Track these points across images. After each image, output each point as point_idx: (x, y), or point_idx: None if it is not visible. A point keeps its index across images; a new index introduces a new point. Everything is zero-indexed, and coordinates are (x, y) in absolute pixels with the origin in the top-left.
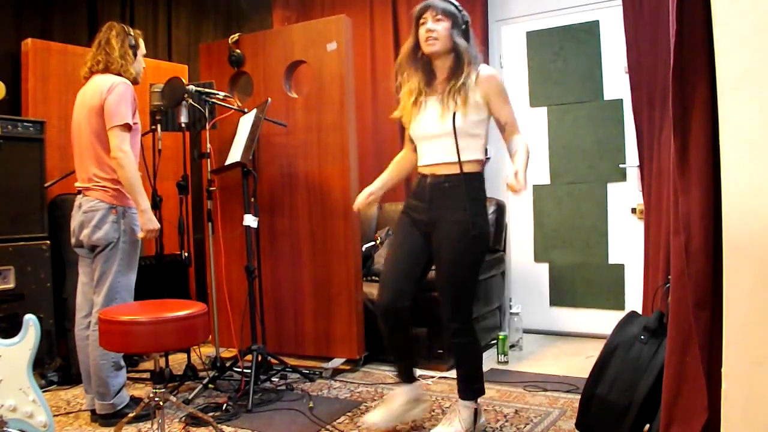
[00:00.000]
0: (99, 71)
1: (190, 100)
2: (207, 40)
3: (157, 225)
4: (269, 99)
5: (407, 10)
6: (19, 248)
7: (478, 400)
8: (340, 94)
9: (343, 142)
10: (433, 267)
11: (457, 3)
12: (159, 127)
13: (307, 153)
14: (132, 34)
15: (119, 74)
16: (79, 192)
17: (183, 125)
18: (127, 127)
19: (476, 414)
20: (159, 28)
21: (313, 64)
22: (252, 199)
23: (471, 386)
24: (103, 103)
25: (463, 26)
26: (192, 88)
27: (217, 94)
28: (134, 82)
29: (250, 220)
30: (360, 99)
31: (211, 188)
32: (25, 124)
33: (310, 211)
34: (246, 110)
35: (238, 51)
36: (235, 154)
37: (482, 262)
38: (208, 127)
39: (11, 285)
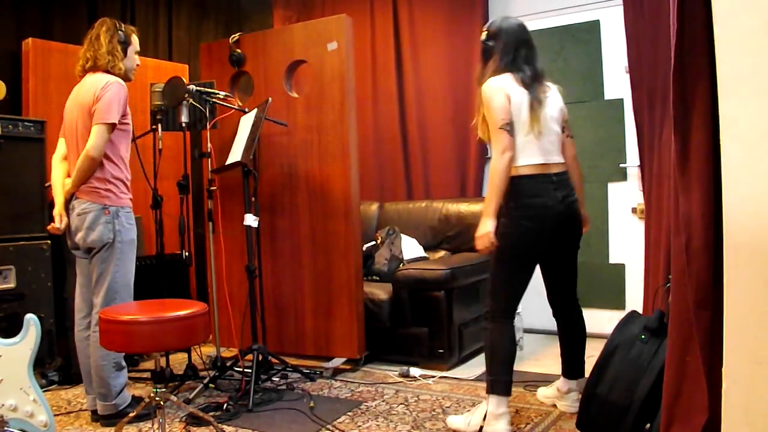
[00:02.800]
0: (90, 68)
1: (191, 100)
2: (208, 40)
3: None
4: (270, 99)
5: (408, 10)
6: (19, 248)
7: (490, 397)
8: (341, 93)
9: (343, 142)
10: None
11: None
12: (160, 126)
13: (308, 153)
14: (123, 30)
15: (107, 71)
16: (72, 194)
17: (184, 125)
18: (112, 127)
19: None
20: (159, 28)
21: (313, 64)
22: (252, 199)
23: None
24: (96, 102)
25: None
26: (192, 87)
27: (218, 93)
28: (124, 78)
29: (251, 220)
30: (360, 98)
31: (212, 188)
32: (26, 123)
33: (310, 210)
34: (246, 110)
35: (238, 51)
36: (235, 154)
37: None
38: (208, 126)
39: (12, 285)
